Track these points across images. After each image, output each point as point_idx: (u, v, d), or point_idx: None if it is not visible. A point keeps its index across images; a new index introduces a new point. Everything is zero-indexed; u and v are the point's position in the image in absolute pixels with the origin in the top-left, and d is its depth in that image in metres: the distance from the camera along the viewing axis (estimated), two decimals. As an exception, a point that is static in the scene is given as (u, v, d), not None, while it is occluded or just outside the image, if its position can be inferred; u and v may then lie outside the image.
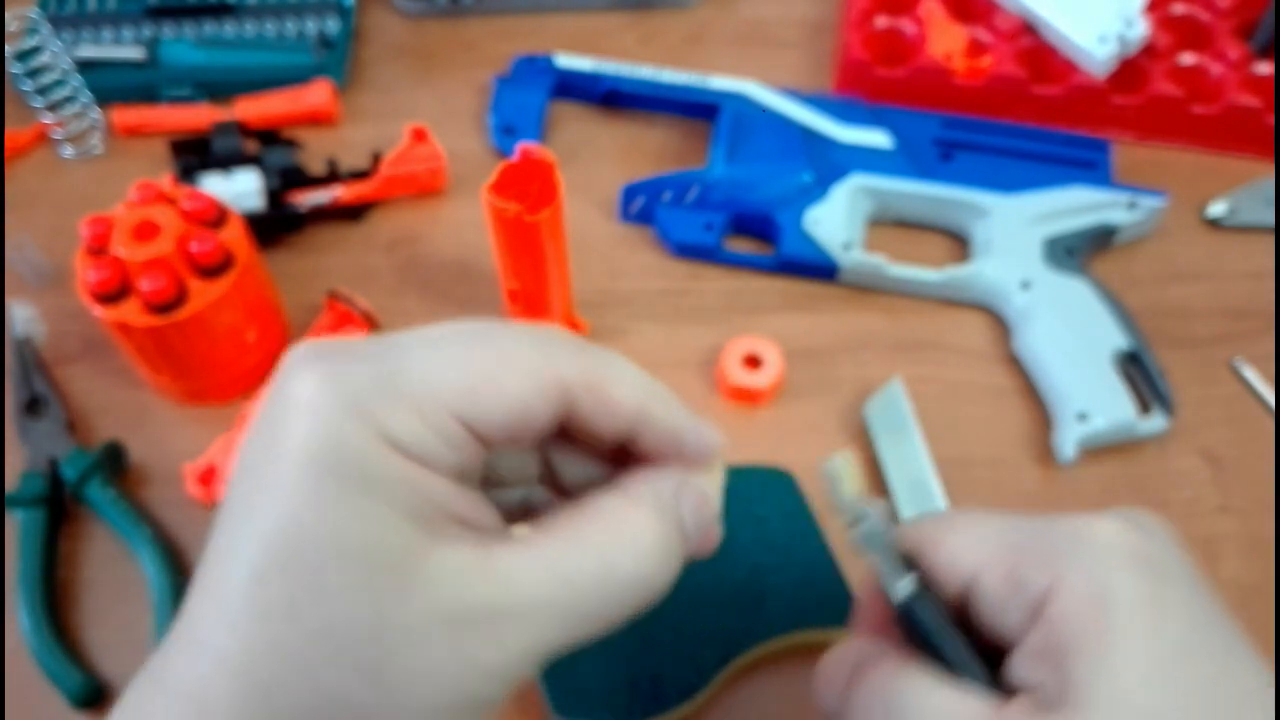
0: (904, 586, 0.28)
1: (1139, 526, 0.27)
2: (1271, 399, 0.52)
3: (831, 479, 0.30)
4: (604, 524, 0.25)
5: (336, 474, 0.21)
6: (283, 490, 0.21)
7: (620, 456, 0.29)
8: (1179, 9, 0.62)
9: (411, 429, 0.22)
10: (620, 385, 0.26)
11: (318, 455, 0.21)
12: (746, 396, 0.51)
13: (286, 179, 0.56)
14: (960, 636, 0.28)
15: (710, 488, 0.28)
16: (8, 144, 0.61)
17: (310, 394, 0.22)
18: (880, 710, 0.27)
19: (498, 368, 0.24)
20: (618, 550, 0.25)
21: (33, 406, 0.51)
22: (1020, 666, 0.27)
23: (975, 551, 0.28)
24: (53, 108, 0.60)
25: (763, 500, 0.46)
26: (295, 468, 0.21)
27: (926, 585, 0.29)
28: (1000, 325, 0.55)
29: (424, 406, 0.22)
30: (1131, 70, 0.60)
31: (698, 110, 0.61)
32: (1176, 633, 0.25)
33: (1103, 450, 0.50)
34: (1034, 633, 0.26)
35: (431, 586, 0.22)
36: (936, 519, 0.31)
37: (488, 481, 0.28)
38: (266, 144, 0.58)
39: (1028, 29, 0.62)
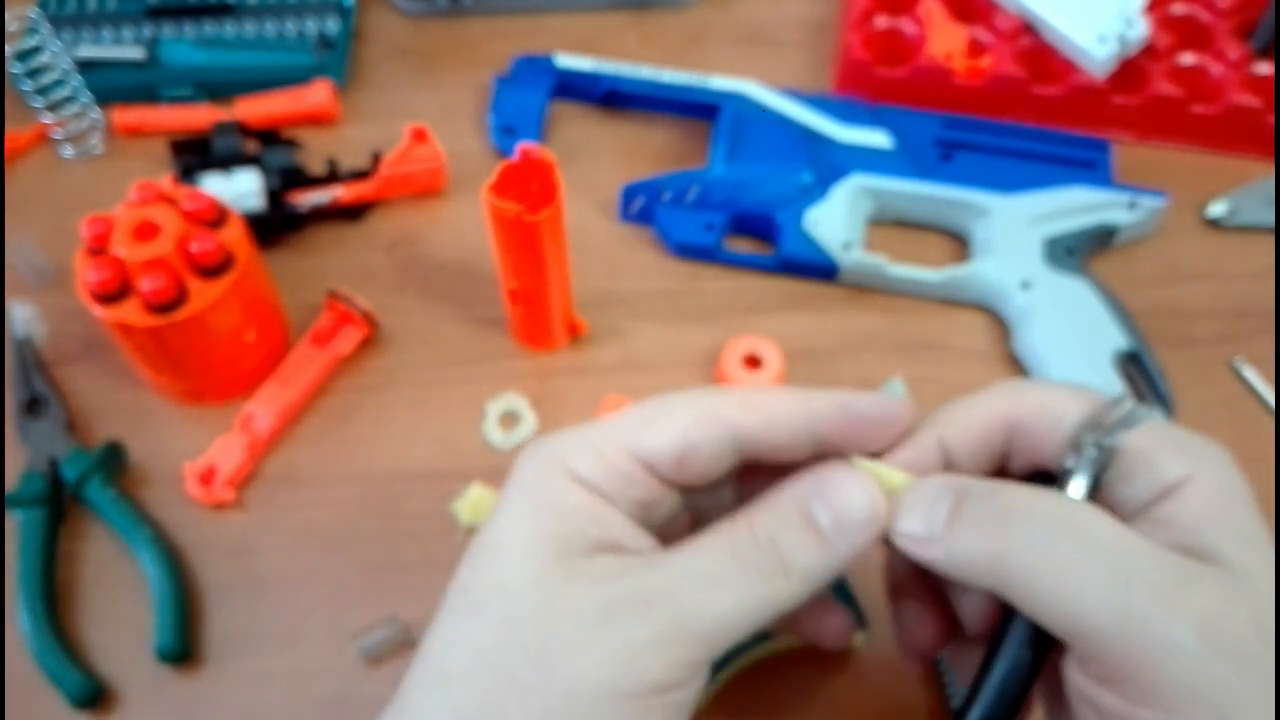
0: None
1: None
2: (1271, 399, 0.52)
3: None
4: (695, 547, 0.28)
5: (529, 497, 0.28)
6: (496, 509, 0.29)
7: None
8: (1179, 9, 0.62)
9: (591, 467, 0.28)
10: (772, 395, 0.29)
11: (521, 485, 0.29)
12: (746, 396, 0.51)
13: (286, 179, 0.56)
14: None
15: (857, 487, 0.28)
16: (8, 144, 0.61)
17: (529, 450, 0.30)
18: (1025, 531, 0.27)
19: (663, 410, 0.29)
20: (709, 573, 0.27)
21: (33, 406, 0.51)
22: (1146, 530, 0.28)
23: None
24: (53, 108, 0.60)
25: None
26: (505, 496, 0.29)
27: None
28: (1000, 325, 0.55)
29: (605, 450, 0.29)
30: (1131, 70, 0.60)
31: (698, 110, 0.61)
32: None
33: (1103, 450, 0.50)
34: (1164, 506, 0.28)
35: (586, 581, 0.27)
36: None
37: (696, 521, 0.32)
38: (266, 144, 0.58)
39: (1028, 29, 0.62)
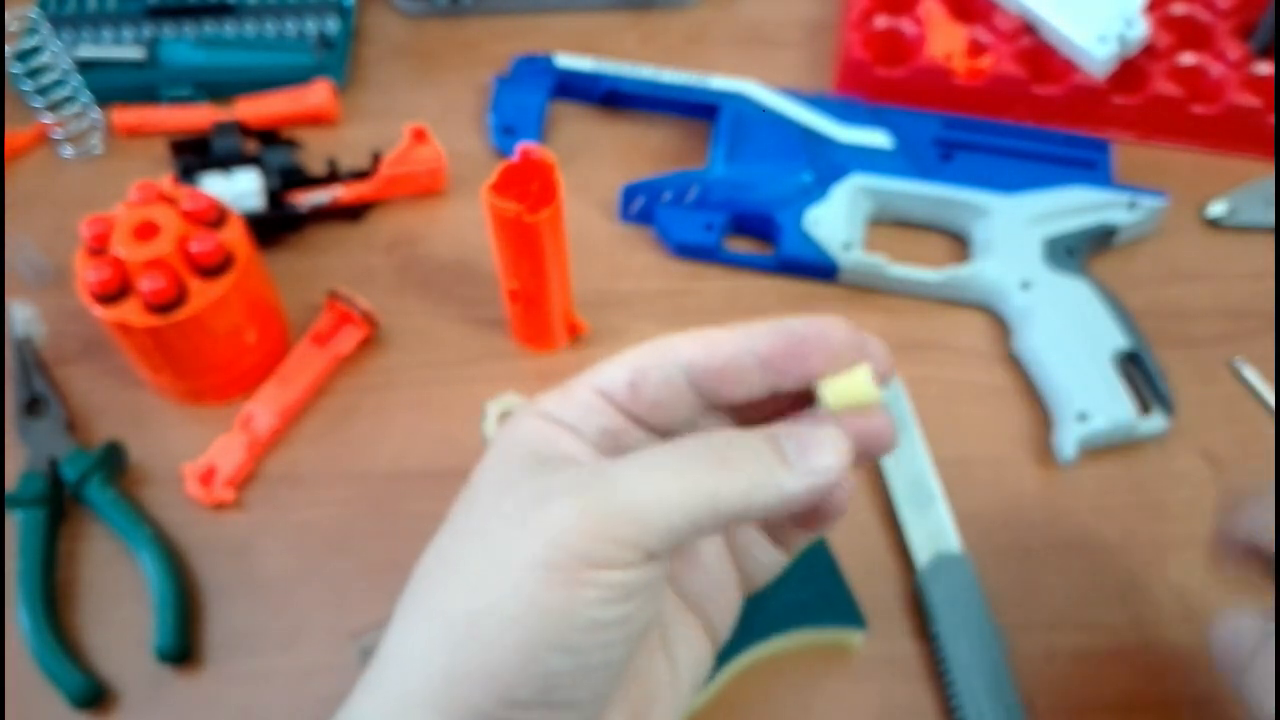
0: None
1: None
2: (1271, 399, 0.52)
3: None
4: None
5: (501, 439, 0.31)
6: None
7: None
8: (1179, 9, 0.62)
9: (556, 404, 0.31)
10: (720, 331, 0.30)
11: (499, 433, 0.31)
12: (746, 396, 0.51)
13: (286, 179, 0.56)
14: None
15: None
16: (8, 144, 0.61)
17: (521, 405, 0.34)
18: None
19: (624, 352, 0.31)
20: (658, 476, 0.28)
21: (33, 406, 0.51)
22: None
23: None
24: (53, 108, 0.60)
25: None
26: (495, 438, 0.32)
27: None
28: (1000, 325, 0.55)
29: (571, 389, 0.31)
30: (1131, 70, 0.60)
31: (698, 110, 0.61)
32: None
33: (1103, 450, 0.50)
34: None
35: (534, 478, 0.29)
36: None
37: None
38: (266, 144, 0.58)
39: (1028, 29, 0.62)
